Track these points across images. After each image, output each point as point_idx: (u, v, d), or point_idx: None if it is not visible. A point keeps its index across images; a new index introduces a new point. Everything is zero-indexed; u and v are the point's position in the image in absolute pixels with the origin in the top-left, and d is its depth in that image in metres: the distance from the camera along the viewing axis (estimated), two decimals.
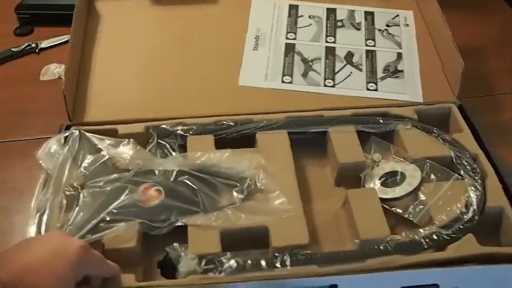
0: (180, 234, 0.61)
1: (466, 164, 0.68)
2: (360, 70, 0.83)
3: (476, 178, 0.67)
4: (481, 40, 0.97)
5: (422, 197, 0.66)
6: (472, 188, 0.66)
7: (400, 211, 0.65)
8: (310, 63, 0.83)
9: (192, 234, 0.61)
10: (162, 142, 0.70)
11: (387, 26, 0.90)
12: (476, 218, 0.63)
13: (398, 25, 0.90)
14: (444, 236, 0.61)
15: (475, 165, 0.68)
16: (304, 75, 0.82)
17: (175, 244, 0.59)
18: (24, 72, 0.89)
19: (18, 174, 0.71)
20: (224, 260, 0.58)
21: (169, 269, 0.59)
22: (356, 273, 0.58)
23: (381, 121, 0.74)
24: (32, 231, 0.58)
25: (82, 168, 0.65)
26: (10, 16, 1.00)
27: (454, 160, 0.69)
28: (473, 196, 0.65)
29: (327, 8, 0.92)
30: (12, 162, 0.66)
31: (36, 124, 0.75)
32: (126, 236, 0.60)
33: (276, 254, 0.59)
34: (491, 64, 0.92)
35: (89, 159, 0.66)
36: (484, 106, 0.83)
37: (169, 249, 0.59)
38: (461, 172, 0.68)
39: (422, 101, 0.78)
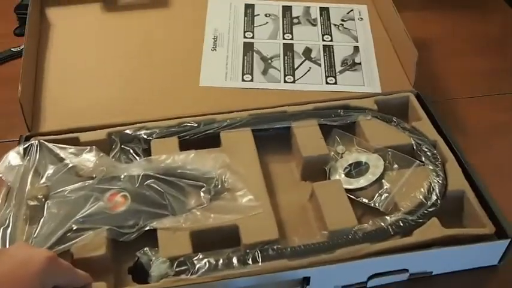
0: (150, 238, 0.61)
1: (426, 150, 0.70)
2: (319, 65, 0.84)
3: (437, 163, 0.69)
4: (481, 40, 0.98)
5: (386, 185, 0.67)
6: (434, 173, 0.67)
7: (366, 200, 0.67)
8: (270, 61, 0.84)
9: (162, 238, 0.60)
10: (126, 147, 0.69)
11: (342, 20, 0.91)
12: (439, 202, 0.65)
13: (353, 19, 0.92)
14: (410, 222, 0.63)
15: (435, 151, 0.70)
16: (264, 72, 0.82)
17: (145, 248, 0.59)
18: None
19: None
20: (196, 261, 0.58)
21: (140, 274, 0.58)
22: (327, 264, 0.59)
23: (342, 113, 0.75)
24: None
25: (45, 179, 0.64)
26: (10, 16, 0.98)
27: (415, 147, 0.71)
28: (435, 181, 0.67)
29: (283, 6, 0.93)
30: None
31: None
32: (95, 244, 0.59)
33: (247, 251, 0.59)
34: (491, 64, 0.93)
35: (51, 169, 0.65)
36: (484, 106, 0.85)
37: (139, 254, 0.58)
38: (422, 158, 0.70)
39: (380, 92, 0.80)
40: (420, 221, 0.63)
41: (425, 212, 0.64)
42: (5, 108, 0.81)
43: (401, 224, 0.62)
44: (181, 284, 0.57)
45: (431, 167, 0.68)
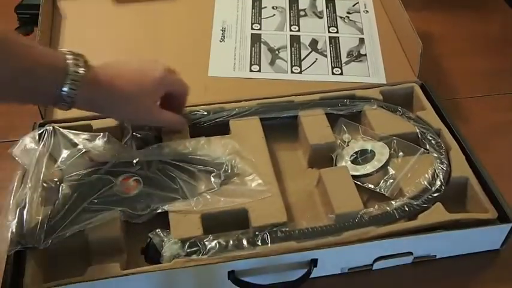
0: (162, 221, 0.62)
1: (430, 138, 0.72)
2: (325, 56, 0.85)
3: (441, 151, 0.70)
4: (481, 40, 0.99)
5: (391, 171, 0.69)
6: (438, 160, 0.69)
7: (372, 186, 0.68)
8: (277, 52, 0.86)
9: (173, 220, 0.62)
10: (137, 135, 0.71)
11: (348, 13, 0.93)
12: (443, 188, 0.66)
13: (358, 12, 0.93)
14: (414, 206, 0.64)
15: (439, 140, 0.72)
16: (272, 63, 0.84)
17: (157, 230, 0.60)
18: None
19: None
20: (207, 242, 0.60)
21: (153, 254, 0.60)
22: (334, 246, 0.60)
23: (348, 103, 0.76)
24: (14, 226, 0.58)
25: (59, 163, 0.65)
26: (10, 16, 0.99)
27: (419, 136, 0.73)
28: (439, 168, 0.68)
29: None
30: (12, 163, 0.66)
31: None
32: (109, 224, 0.61)
33: (257, 233, 0.61)
34: (491, 64, 0.94)
35: (65, 153, 0.66)
36: (484, 106, 0.85)
37: (152, 235, 0.60)
38: (427, 146, 0.71)
39: (385, 82, 0.81)
40: (424, 205, 0.64)
41: (430, 197, 0.65)
42: (5, 108, 0.82)
43: (406, 209, 0.64)
44: (193, 264, 0.58)
45: (435, 155, 0.70)
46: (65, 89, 0.56)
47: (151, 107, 0.65)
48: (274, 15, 0.92)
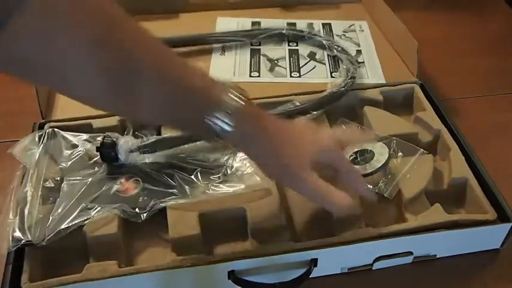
0: (160, 219, 0.62)
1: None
2: (323, 64, 0.87)
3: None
4: (481, 40, 0.99)
5: (391, 172, 0.69)
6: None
7: (371, 186, 0.68)
8: (276, 61, 0.87)
9: (171, 219, 0.62)
10: (139, 134, 0.71)
11: (344, 32, 0.95)
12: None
13: (354, 31, 0.96)
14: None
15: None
16: (271, 70, 0.86)
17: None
18: None
19: None
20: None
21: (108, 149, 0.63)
22: (334, 246, 0.60)
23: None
24: (16, 223, 0.58)
25: (59, 163, 0.66)
26: None
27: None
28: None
29: (287, 22, 0.97)
30: (13, 163, 0.66)
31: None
32: (107, 222, 0.60)
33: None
34: (491, 64, 0.94)
35: (65, 154, 0.67)
36: (485, 106, 0.86)
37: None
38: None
39: (385, 83, 0.82)
40: None
41: None
42: (5, 108, 0.83)
43: None
44: (192, 263, 0.58)
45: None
46: (217, 120, 0.49)
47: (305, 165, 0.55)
48: None
